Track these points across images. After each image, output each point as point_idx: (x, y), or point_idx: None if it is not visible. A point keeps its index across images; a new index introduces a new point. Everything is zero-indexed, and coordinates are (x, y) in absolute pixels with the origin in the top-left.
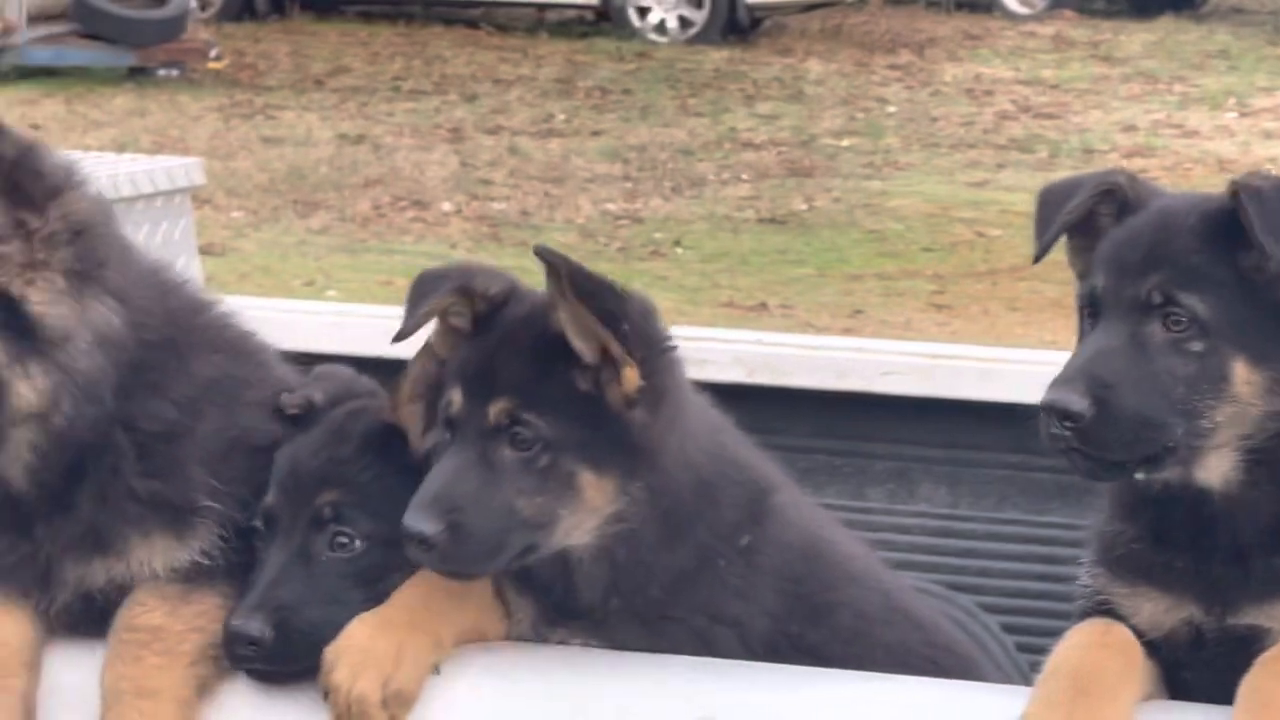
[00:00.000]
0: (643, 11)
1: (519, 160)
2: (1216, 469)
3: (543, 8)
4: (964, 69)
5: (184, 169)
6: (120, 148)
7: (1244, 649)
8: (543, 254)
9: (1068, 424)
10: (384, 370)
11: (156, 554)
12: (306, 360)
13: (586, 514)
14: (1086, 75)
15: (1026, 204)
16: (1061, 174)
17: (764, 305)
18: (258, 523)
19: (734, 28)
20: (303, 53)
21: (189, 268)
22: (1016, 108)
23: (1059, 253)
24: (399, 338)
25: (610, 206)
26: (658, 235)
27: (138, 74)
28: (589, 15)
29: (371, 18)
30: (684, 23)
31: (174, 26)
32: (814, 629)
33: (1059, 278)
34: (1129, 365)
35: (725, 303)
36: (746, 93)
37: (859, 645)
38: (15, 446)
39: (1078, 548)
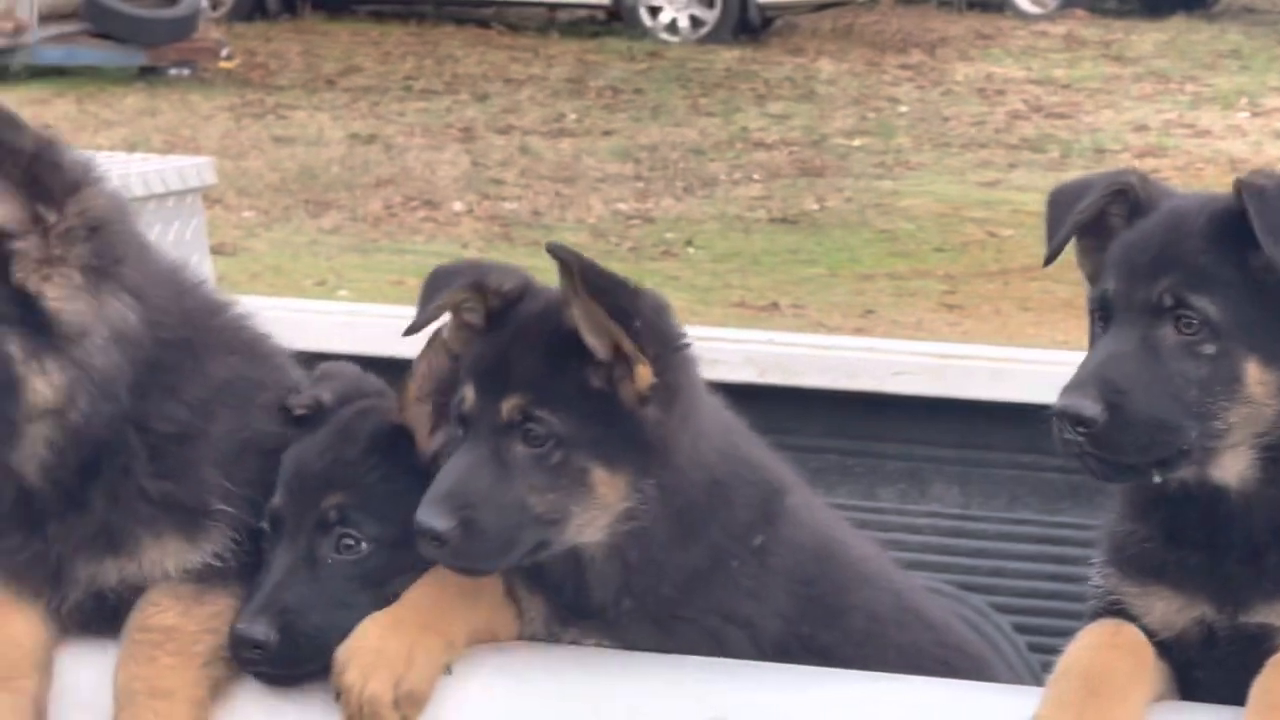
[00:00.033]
0: (654, 11)
1: (530, 160)
2: (1232, 468)
3: (554, 7)
4: (975, 68)
5: (195, 168)
6: (131, 147)
7: (1256, 648)
8: (555, 251)
9: (1081, 430)
10: (395, 370)
11: (169, 555)
12: (318, 360)
13: (598, 511)
14: (1098, 75)
15: (1038, 204)
16: (1073, 174)
17: (775, 305)
18: (264, 524)
19: (745, 27)
20: (314, 52)
21: (200, 268)
22: (1028, 107)
23: (1070, 252)
24: (411, 331)
25: (622, 206)
26: (669, 235)
27: (149, 73)
28: (600, 15)
29: (383, 17)
30: (695, 22)
31: (185, 26)
32: (826, 630)
33: (1071, 278)
34: (1142, 369)
35: (737, 303)
36: (758, 92)
37: (871, 646)
38: (30, 442)
39: (1089, 547)
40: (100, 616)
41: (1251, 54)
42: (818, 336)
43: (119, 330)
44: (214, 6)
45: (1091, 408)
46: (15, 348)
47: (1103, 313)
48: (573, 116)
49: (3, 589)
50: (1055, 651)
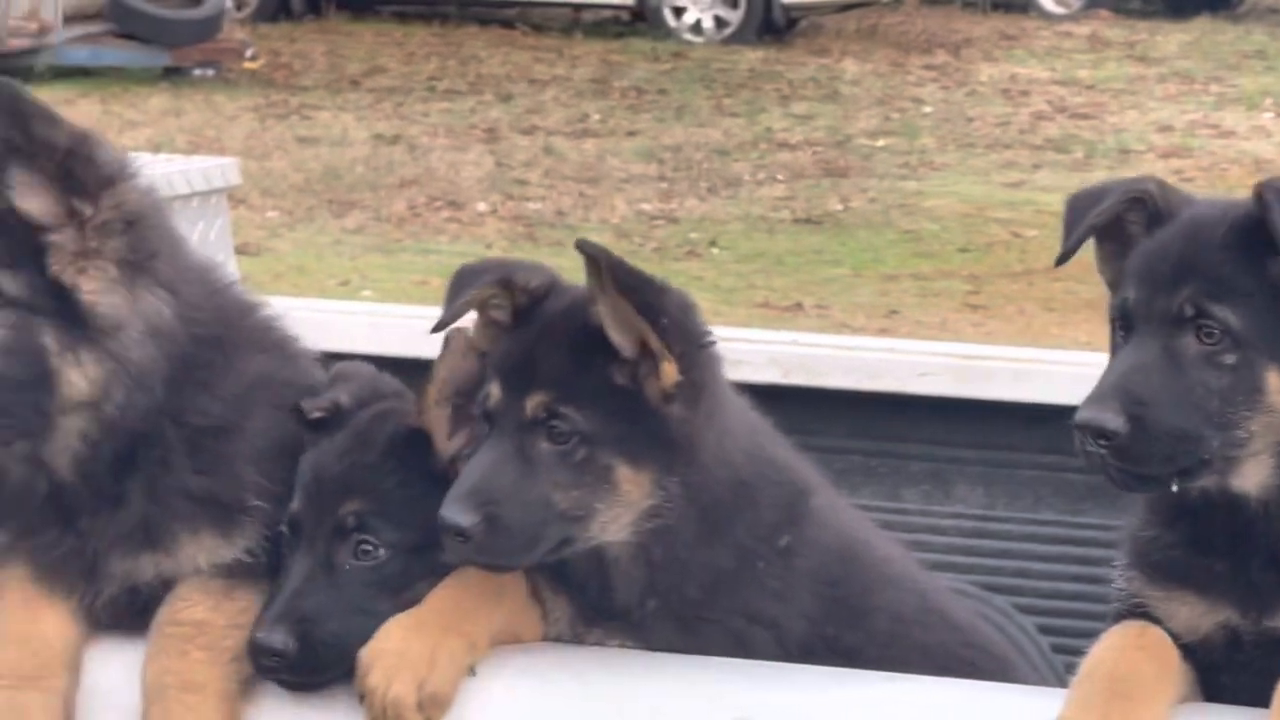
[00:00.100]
0: (678, 11)
1: (554, 160)
2: (1253, 476)
3: (578, 8)
4: (999, 69)
5: (220, 169)
6: (156, 148)
7: None
8: (583, 247)
9: (1103, 442)
10: (419, 371)
11: (204, 551)
12: (341, 361)
13: (622, 508)
14: (1122, 75)
15: (1062, 205)
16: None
17: (799, 305)
18: (284, 528)
19: (769, 28)
20: (338, 53)
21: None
22: (1052, 108)
23: (1093, 253)
24: (438, 328)
25: (645, 207)
26: (693, 235)
27: (173, 74)
28: (624, 15)
29: (407, 18)
30: (719, 23)
31: (210, 26)
32: (851, 631)
33: (1094, 279)
34: (1163, 380)
35: (760, 303)
36: (782, 93)
37: (896, 647)
38: (64, 435)
39: (1113, 548)
40: (132, 611)
41: (1276, 54)
42: (841, 337)
43: (154, 324)
44: (239, 7)
45: (1114, 420)
46: (50, 340)
47: (1123, 322)
48: (597, 117)
49: (35, 586)
50: (1079, 653)
